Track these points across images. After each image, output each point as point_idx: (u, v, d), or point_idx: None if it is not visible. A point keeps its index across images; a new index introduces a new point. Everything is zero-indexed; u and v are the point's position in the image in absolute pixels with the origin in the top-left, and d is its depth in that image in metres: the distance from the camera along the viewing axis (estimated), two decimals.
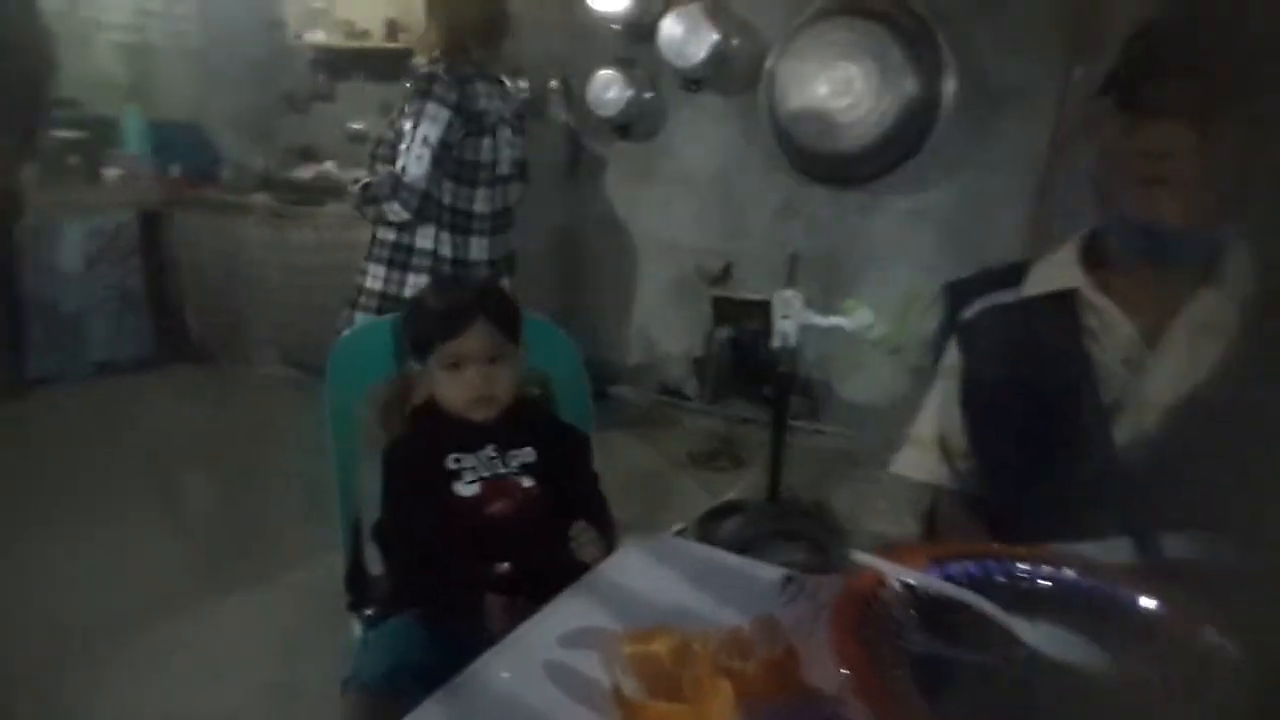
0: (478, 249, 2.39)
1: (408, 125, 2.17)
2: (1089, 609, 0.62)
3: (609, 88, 3.36)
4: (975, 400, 1.00)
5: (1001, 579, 0.66)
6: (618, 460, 2.66)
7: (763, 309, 2.89)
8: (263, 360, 3.82)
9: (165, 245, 3.89)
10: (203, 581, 2.13)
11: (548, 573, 1.21)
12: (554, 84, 3.57)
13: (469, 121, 2.25)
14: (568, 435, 1.37)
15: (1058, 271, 0.95)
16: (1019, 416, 0.93)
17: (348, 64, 4.11)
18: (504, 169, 2.43)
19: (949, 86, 2.90)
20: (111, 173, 3.71)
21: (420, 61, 2.34)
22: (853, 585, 0.63)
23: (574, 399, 1.48)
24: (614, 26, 3.37)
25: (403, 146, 2.17)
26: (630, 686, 0.59)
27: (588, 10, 3.30)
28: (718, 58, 3.17)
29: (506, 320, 1.26)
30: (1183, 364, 0.85)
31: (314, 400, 1.30)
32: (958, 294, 1.04)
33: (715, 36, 3.12)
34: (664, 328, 3.67)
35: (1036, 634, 0.59)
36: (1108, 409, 0.87)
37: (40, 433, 3.02)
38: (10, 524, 2.27)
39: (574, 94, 3.56)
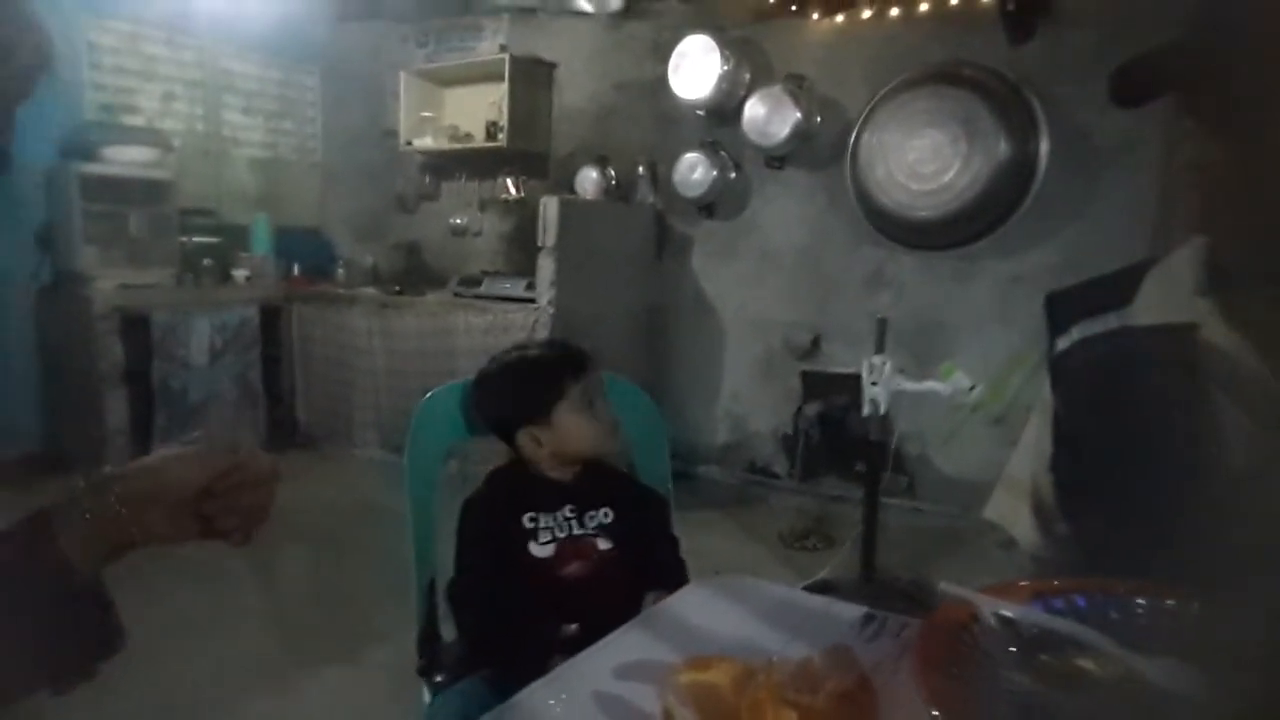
0: None
1: None
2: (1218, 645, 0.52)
3: (694, 169, 3.44)
4: (1067, 454, 0.83)
5: (1115, 615, 0.57)
6: (706, 541, 2.57)
7: (852, 382, 2.79)
8: (363, 444, 3.96)
9: (282, 337, 4.17)
10: (297, 656, 2.15)
11: None
12: (641, 169, 3.70)
13: None
14: (646, 497, 1.33)
15: (1172, 293, 0.77)
16: (1119, 480, 0.75)
17: (451, 164, 4.40)
18: None
19: (1044, 146, 2.82)
20: (240, 273, 4.05)
21: None
22: (939, 617, 0.56)
23: (653, 460, 1.44)
24: (699, 112, 3.48)
25: None
26: (684, 715, 0.53)
27: (673, 98, 3.43)
28: (800, 135, 3.21)
29: None
30: None
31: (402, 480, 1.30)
32: (1057, 313, 0.88)
33: (797, 115, 3.18)
34: (752, 405, 3.60)
35: (1158, 670, 0.49)
36: (1238, 477, 0.68)
37: None
38: (120, 598, 2.39)
39: (660, 177, 3.67)
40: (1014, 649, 0.54)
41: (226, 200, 4.23)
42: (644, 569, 1.24)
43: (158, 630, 2.24)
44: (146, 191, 3.68)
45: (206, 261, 3.92)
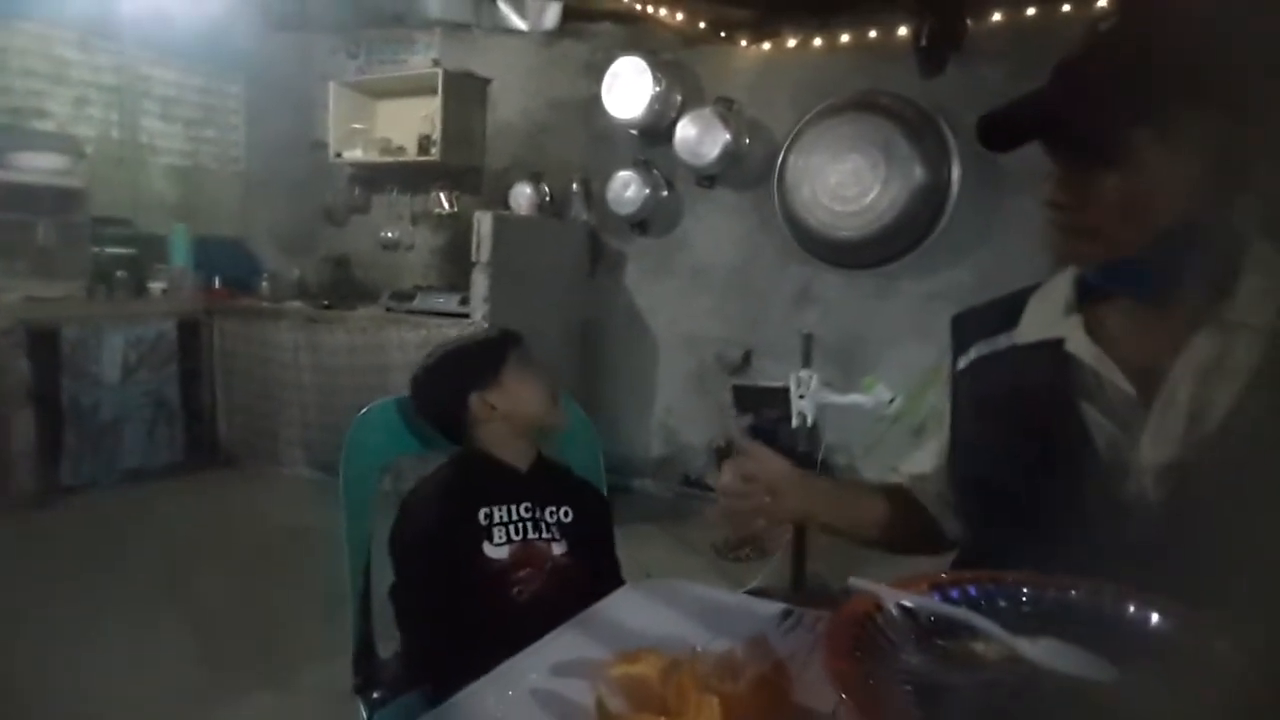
0: None
1: None
2: (1095, 626, 0.59)
3: (627, 187, 3.51)
4: (964, 462, 0.91)
5: (1004, 603, 0.63)
6: (642, 553, 2.60)
7: (783, 396, 2.88)
8: (290, 462, 3.86)
9: (201, 352, 4.03)
10: (223, 682, 2.08)
11: None
12: (575, 186, 3.74)
13: None
14: (591, 495, 1.35)
15: (1048, 313, 0.86)
16: (1007, 483, 0.82)
17: (382, 177, 4.35)
18: None
19: (955, 173, 2.98)
20: (157, 285, 3.90)
21: None
22: (847, 608, 0.61)
23: (587, 473, 1.46)
24: (631, 131, 3.55)
25: None
26: (615, 704, 0.57)
27: (607, 117, 3.49)
28: (730, 156, 3.31)
29: None
30: (1179, 419, 0.72)
31: (336, 499, 1.28)
32: (959, 333, 0.95)
33: (727, 136, 3.27)
34: (685, 419, 3.66)
35: (1037, 649, 0.55)
36: (1105, 473, 0.76)
37: (70, 541, 3.03)
38: (40, 629, 2.27)
39: (593, 194, 3.72)
40: (913, 635, 0.60)
41: (143, 209, 4.08)
42: (596, 579, 1.24)
43: (77, 661, 2.15)
44: (56, 200, 3.52)
45: (120, 273, 3.76)
